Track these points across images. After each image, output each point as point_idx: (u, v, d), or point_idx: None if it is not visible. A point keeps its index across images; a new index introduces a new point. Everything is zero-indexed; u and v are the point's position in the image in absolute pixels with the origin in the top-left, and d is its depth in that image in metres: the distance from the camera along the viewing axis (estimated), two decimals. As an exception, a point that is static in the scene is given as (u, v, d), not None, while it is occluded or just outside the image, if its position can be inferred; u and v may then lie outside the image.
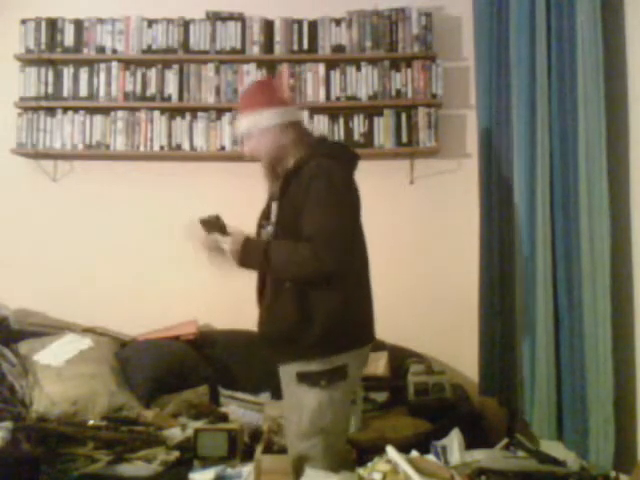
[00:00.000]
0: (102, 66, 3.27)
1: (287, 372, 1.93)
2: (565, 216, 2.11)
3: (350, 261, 1.85)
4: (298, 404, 1.89)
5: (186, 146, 3.25)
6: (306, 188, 1.81)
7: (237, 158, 3.30)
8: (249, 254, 1.87)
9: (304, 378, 1.86)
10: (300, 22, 3.26)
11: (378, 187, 3.31)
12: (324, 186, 1.81)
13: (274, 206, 1.94)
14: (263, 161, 1.97)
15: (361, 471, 1.68)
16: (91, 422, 2.44)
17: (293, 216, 1.84)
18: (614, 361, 1.82)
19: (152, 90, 3.27)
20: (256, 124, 1.95)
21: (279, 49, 3.27)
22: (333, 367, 1.85)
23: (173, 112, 3.25)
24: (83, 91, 3.28)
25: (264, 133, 1.95)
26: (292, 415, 1.93)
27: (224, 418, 2.59)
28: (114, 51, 3.29)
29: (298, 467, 1.88)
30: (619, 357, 1.86)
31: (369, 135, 3.21)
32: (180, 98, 3.26)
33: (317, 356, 1.84)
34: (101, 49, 3.29)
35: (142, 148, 3.24)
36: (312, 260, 1.77)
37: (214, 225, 1.90)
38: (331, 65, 3.24)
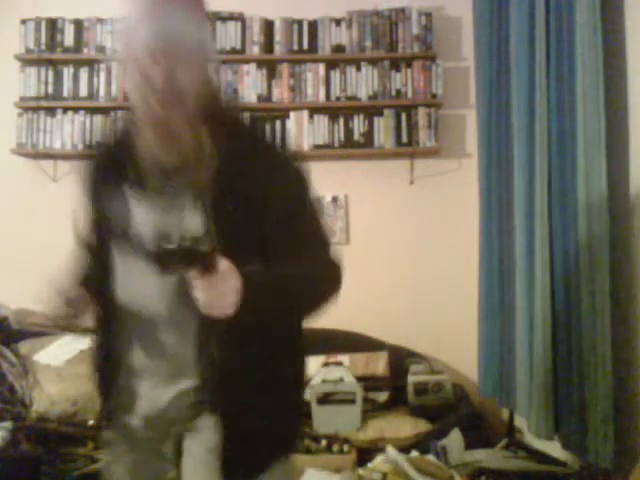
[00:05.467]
0: (102, 66, 3.26)
1: None
2: (563, 215, 2.12)
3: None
4: None
5: (186, 146, 3.24)
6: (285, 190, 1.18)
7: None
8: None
9: None
10: (300, 22, 3.26)
11: (378, 187, 3.32)
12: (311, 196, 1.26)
13: (196, 209, 1.14)
14: (179, 108, 1.11)
15: (361, 471, 1.68)
16: (91, 422, 2.44)
17: (255, 229, 1.16)
18: (613, 360, 1.82)
19: (152, 90, 3.26)
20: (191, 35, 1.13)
21: (279, 49, 3.27)
22: None
23: (173, 112, 3.24)
24: (83, 91, 3.27)
25: (195, 56, 1.14)
26: None
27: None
28: (114, 51, 3.29)
29: None
30: (619, 356, 1.86)
31: (369, 135, 3.21)
32: (180, 98, 3.25)
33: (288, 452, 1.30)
34: (101, 49, 3.29)
35: (142, 148, 3.24)
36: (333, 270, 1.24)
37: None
38: (331, 65, 3.24)
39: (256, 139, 1.23)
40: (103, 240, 1.24)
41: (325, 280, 1.22)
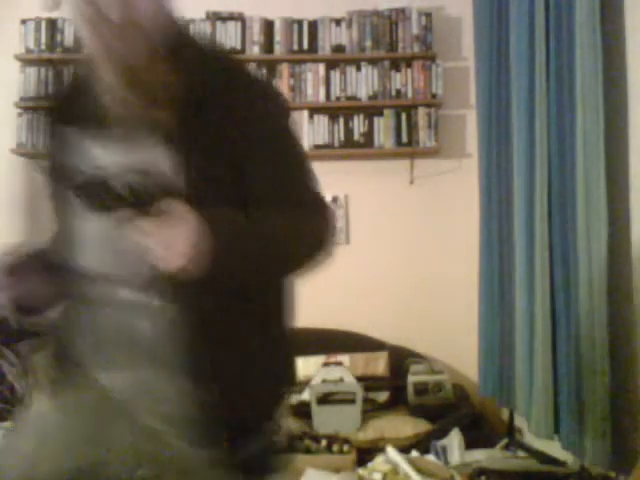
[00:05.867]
0: (102, 66, 3.27)
1: None
2: (562, 216, 2.12)
3: None
4: None
5: (186, 146, 3.24)
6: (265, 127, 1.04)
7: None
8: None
9: None
10: (300, 22, 3.26)
11: (378, 187, 3.32)
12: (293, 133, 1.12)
13: (167, 151, 0.98)
14: (137, 39, 0.97)
15: (361, 471, 1.68)
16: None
17: (233, 169, 1.01)
18: (611, 359, 1.82)
19: (152, 90, 3.27)
20: None
21: (279, 49, 3.27)
22: None
23: (173, 112, 3.24)
24: (83, 91, 3.28)
25: None
26: None
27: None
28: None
29: None
30: (619, 356, 1.86)
31: (369, 135, 3.21)
32: (180, 98, 3.25)
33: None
34: (101, 49, 3.28)
35: (142, 148, 3.24)
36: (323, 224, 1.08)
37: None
38: (331, 65, 3.24)
39: (230, 71, 1.08)
40: (65, 198, 1.08)
41: (316, 228, 1.05)
